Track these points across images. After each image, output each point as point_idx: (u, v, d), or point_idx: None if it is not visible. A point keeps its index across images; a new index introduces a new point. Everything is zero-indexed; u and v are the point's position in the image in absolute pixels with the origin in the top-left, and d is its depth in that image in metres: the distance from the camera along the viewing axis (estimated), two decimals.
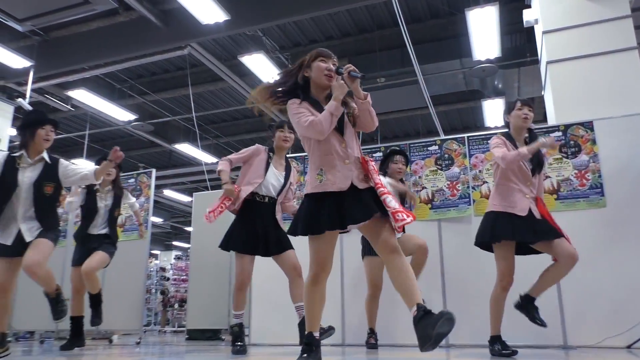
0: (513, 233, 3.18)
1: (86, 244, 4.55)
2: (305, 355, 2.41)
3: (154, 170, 6.25)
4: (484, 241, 3.33)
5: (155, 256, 16.68)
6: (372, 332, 4.25)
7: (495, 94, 8.80)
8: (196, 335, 6.39)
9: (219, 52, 8.31)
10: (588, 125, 4.45)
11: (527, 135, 3.43)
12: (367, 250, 4.16)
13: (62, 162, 3.66)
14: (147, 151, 12.69)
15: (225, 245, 3.75)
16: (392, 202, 2.33)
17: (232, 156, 3.84)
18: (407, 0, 7.07)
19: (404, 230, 3.93)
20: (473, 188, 4.69)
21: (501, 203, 3.28)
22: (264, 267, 5.21)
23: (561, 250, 3.17)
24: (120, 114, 9.36)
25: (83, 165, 3.74)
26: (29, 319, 6.23)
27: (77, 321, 4.59)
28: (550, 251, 3.24)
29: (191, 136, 11.12)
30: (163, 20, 6.88)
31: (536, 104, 9.87)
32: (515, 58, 7.69)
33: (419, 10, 7.49)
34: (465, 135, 4.89)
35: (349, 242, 4.94)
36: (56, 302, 3.57)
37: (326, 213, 2.34)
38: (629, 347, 3.75)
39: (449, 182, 4.76)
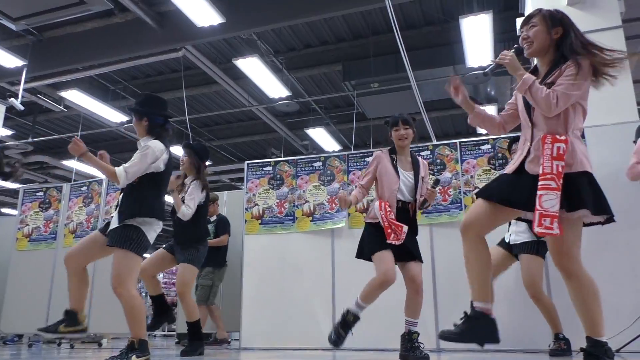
0: None
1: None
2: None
3: None
4: None
5: None
6: (557, 337, 3.83)
7: (487, 101, 8.88)
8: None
9: (213, 55, 8.31)
10: None
11: None
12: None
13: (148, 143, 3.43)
14: None
15: (360, 254, 3.46)
16: (550, 202, 2.13)
17: (363, 182, 3.51)
18: (401, 6, 7.11)
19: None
20: (465, 193, 4.72)
21: None
22: (255, 272, 5.22)
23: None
24: (113, 116, 9.32)
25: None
26: (17, 322, 6.17)
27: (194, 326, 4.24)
28: None
29: (184, 139, 11.08)
30: (158, 22, 6.88)
31: None
32: None
33: (413, 17, 7.54)
34: (458, 140, 4.93)
35: (340, 245, 4.96)
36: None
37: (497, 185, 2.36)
38: (617, 351, 3.78)
39: (440, 187, 4.79)
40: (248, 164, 5.60)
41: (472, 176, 4.75)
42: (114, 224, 3.15)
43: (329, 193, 5.19)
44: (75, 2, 5.65)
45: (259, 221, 5.34)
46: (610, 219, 2.28)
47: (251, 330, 5.03)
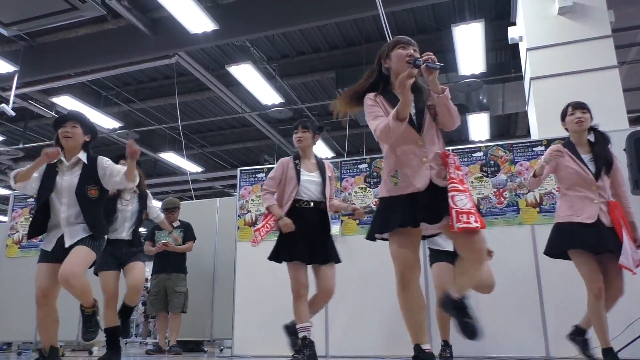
0: (583, 242, 3.03)
1: (108, 250, 4.00)
2: None
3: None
4: (555, 252, 3.23)
5: None
6: (446, 345, 3.92)
7: (479, 109, 8.94)
8: (178, 346, 6.30)
9: (206, 62, 8.31)
10: None
11: (590, 137, 3.29)
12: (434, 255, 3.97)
13: (101, 161, 3.34)
14: None
15: (275, 256, 3.53)
16: (462, 201, 2.14)
17: (267, 186, 3.66)
18: (394, 14, 7.16)
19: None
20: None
21: (565, 213, 3.16)
22: (247, 279, 5.19)
23: (608, 279, 3.06)
24: (106, 122, 9.29)
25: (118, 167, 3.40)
26: (6, 330, 6.10)
27: (111, 332, 4.10)
28: (610, 271, 3.07)
29: (177, 145, 11.06)
30: (151, 29, 6.87)
31: (520, 119, 10.05)
32: (499, 74, 7.83)
33: (406, 25, 7.59)
34: (449, 148, 4.93)
35: None
36: (89, 320, 3.25)
37: (399, 211, 2.22)
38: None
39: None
40: (241, 170, 5.59)
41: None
42: (74, 237, 3.15)
43: None
44: (68, 8, 5.63)
45: (252, 228, 5.31)
46: None
47: (243, 337, 5.00)
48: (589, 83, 5.19)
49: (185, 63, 7.76)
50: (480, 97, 8.72)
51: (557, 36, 5.46)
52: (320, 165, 3.72)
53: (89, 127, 3.40)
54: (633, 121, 9.32)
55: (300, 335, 3.33)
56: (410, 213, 2.20)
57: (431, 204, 2.21)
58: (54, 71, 7.56)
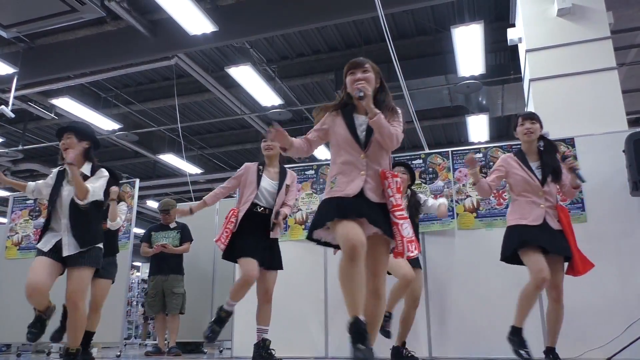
0: (530, 239, 3.25)
1: None
2: (360, 344, 2.04)
3: (137, 181, 6.20)
4: (508, 255, 3.40)
5: (137, 268, 16.44)
6: (402, 346, 4.03)
7: (479, 110, 8.94)
8: (178, 348, 6.29)
9: (206, 63, 8.32)
10: (569, 142, 4.54)
11: (541, 144, 3.49)
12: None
13: (99, 173, 3.45)
14: (131, 161, 12.59)
15: (228, 255, 3.80)
16: (407, 230, 2.31)
17: (225, 183, 4.00)
18: (394, 16, 7.17)
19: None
20: (456, 202, 4.74)
21: (514, 217, 3.39)
22: None
23: (554, 279, 3.25)
24: (105, 123, 9.27)
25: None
26: (5, 331, 6.09)
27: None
28: (551, 270, 3.24)
29: (176, 147, 11.06)
30: (151, 30, 6.87)
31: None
32: (499, 75, 7.83)
33: (405, 27, 7.60)
34: (450, 149, 4.95)
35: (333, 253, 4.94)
36: (41, 323, 3.37)
37: (334, 207, 2.34)
38: (609, 359, 3.79)
39: (433, 196, 4.80)
40: None
41: (464, 184, 4.77)
42: (73, 248, 3.24)
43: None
44: (67, 10, 5.63)
45: None
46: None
47: (243, 339, 4.99)
48: (588, 84, 5.19)
49: (184, 65, 7.76)
50: (480, 99, 8.72)
51: (556, 38, 5.47)
52: (282, 174, 3.97)
53: (82, 133, 3.46)
54: (632, 123, 9.33)
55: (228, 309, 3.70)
56: (344, 208, 2.32)
57: (364, 205, 2.33)
58: (54, 73, 7.56)
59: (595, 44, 5.30)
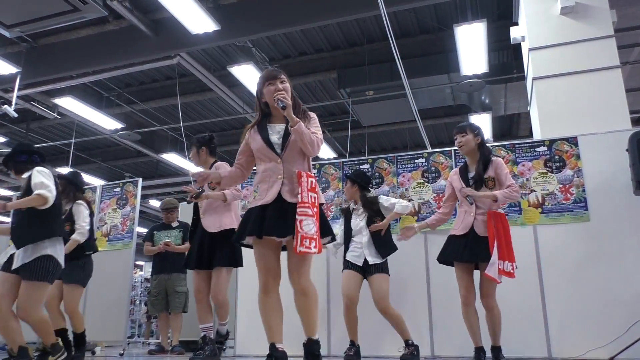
0: (452, 255, 3.56)
1: None
2: None
3: (140, 180, 6.21)
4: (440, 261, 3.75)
5: (140, 267, 16.45)
6: (352, 344, 4.06)
7: (482, 109, 8.92)
8: (181, 346, 6.30)
9: (208, 63, 8.32)
10: (572, 141, 4.52)
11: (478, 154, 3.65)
12: (345, 264, 4.15)
13: (33, 173, 3.58)
14: (133, 160, 12.60)
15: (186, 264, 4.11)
16: (309, 226, 2.39)
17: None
18: (397, 15, 7.16)
19: None
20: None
21: (454, 226, 3.68)
22: (250, 278, 5.18)
23: (482, 289, 3.47)
24: (107, 123, 9.29)
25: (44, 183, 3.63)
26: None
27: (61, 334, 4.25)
28: (481, 280, 3.49)
29: (178, 146, 11.07)
30: (153, 30, 6.88)
31: (522, 119, 10.03)
32: (502, 74, 7.81)
33: (408, 26, 7.59)
34: (452, 148, 4.93)
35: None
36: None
37: (251, 221, 2.51)
38: (611, 358, 3.79)
39: (435, 195, 4.80)
40: None
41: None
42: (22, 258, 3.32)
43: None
44: (70, 9, 5.63)
45: None
46: None
47: (246, 337, 5.00)
48: (591, 83, 5.17)
49: (186, 64, 7.77)
50: (483, 98, 8.70)
51: (559, 36, 5.45)
52: None
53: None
54: (635, 121, 9.31)
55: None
56: (259, 224, 2.48)
57: (279, 218, 2.47)
58: (56, 72, 7.57)
59: (598, 43, 5.28)
